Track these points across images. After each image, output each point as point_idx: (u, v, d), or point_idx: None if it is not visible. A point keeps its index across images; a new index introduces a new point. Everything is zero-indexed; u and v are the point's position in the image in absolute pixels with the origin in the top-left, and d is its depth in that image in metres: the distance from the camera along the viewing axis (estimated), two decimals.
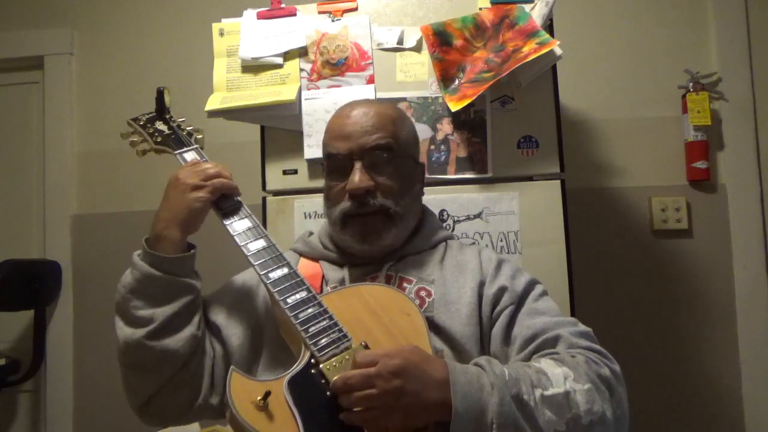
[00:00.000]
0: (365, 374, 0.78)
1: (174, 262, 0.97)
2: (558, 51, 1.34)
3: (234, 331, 1.03)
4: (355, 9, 1.47)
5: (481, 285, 1.03)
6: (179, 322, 0.96)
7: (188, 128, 1.18)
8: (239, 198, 1.05)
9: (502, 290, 1.01)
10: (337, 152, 1.06)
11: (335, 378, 0.80)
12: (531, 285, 1.05)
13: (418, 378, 0.79)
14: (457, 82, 1.40)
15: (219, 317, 1.05)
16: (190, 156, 1.10)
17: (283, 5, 1.49)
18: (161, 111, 1.19)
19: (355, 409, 0.78)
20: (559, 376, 0.84)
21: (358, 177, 1.02)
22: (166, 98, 1.19)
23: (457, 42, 1.41)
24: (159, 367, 0.95)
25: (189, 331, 0.96)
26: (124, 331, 0.95)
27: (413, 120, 1.36)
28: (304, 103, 1.42)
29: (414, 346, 0.85)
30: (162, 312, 0.94)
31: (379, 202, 1.03)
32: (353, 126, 1.06)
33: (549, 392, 0.82)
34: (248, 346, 1.02)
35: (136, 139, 1.16)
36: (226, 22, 1.50)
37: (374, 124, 1.05)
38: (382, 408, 0.78)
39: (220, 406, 0.98)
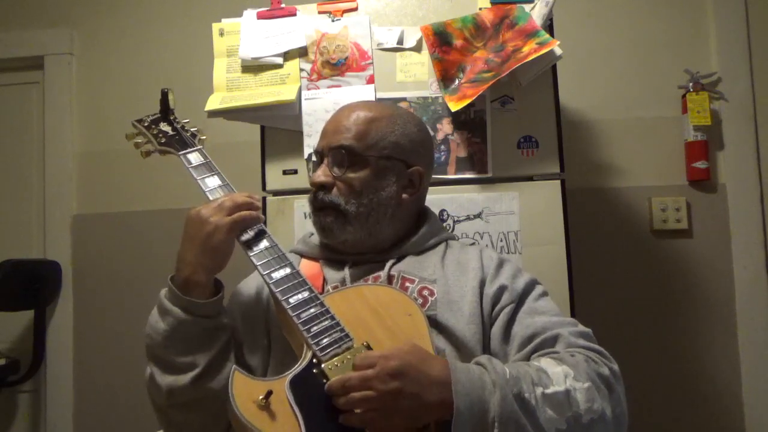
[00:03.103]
0: (363, 376, 0.78)
1: (208, 307, 0.95)
2: (558, 51, 1.34)
3: (253, 348, 1.03)
4: (355, 9, 1.47)
5: (482, 284, 1.03)
6: (219, 363, 0.96)
7: (192, 129, 1.18)
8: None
9: (503, 289, 1.02)
10: (316, 149, 1.12)
11: (332, 380, 0.80)
12: (531, 285, 1.05)
13: (416, 379, 0.79)
14: (457, 82, 1.40)
15: (236, 337, 1.04)
16: (193, 157, 1.10)
17: (283, 5, 1.49)
18: (165, 112, 1.19)
19: (355, 411, 0.78)
20: (559, 375, 0.84)
21: (317, 172, 1.08)
22: (171, 99, 1.20)
23: (457, 42, 1.41)
24: (204, 405, 0.94)
25: (228, 367, 0.95)
26: (166, 379, 0.94)
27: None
28: (304, 103, 1.42)
29: (413, 344, 0.85)
30: (203, 357, 0.94)
31: (329, 198, 1.05)
32: (330, 125, 1.11)
33: (550, 390, 0.82)
34: (265, 361, 1.01)
35: (140, 140, 1.16)
36: (226, 22, 1.49)
37: (348, 125, 1.07)
38: (381, 410, 0.78)
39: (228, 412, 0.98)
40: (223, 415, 0.95)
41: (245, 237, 1.00)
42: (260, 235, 1.01)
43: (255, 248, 0.99)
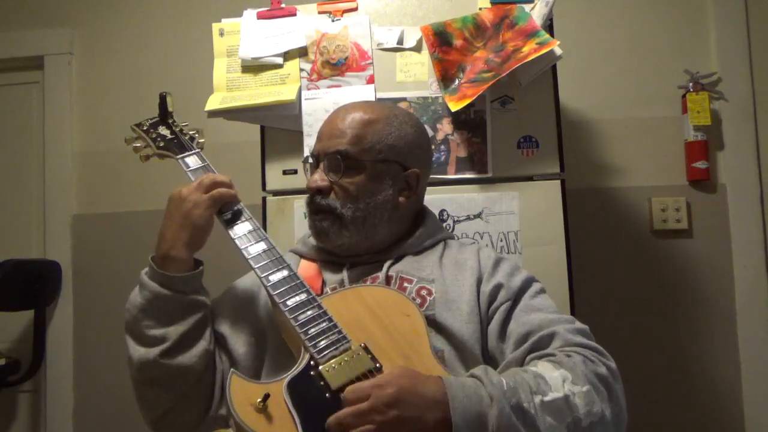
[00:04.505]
0: (359, 411, 0.76)
1: (183, 281, 0.97)
2: (558, 51, 1.34)
3: (238, 340, 1.03)
4: (355, 9, 1.47)
5: (479, 282, 1.03)
6: (192, 339, 0.97)
7: (190, 132, 1.18)
8: (240, 202, 1.06)
9: (499, 287, 1.01)
10: (312, 152, 1.12)
11: (329, 419, 0.77)
12: (528, 282, 1.04)
13: (414, 403, 0.77)
14: (457, 82, 1.40)
15: (223, 327, 1.05)
16: (191, 160, 1.11)
17: (283, 5, 1.49)
18: (164, 115, 1.20)
19: None
20: (557, 380, 0.83)
21: (313, 176, 1.08)
22: (169, 103, 1.20)
23: (457, 42, 1.41)
24: (174, 382, 0.96)
25: (202, 346, 0.98)
26: (138, 351, 0.96)
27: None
28: (304, 103, 1.42)
29: (403, 367, 0.83)
30: (174, 330, 0.96)
31: (325, 202, 1.06)
32: (326, 128, 1.10)
33: (548, 398, 0.81)
34: (253, 354, 1.02)
35: (139, 145, 1.17)
36: (226, 22, 1.49)
37: (343, 128, 1.07)
38: None
39: (228, 416, 0.99)
40: (197, 400, 0.98)
41: (239, 234, 1.01)
42: (257, 236, 1.01)
43: (252, 251, 0.99)
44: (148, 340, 0.96)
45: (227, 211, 1.03)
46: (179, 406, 0.98)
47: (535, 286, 1.05)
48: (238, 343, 1.03)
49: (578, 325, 0.97)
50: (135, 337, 0.98)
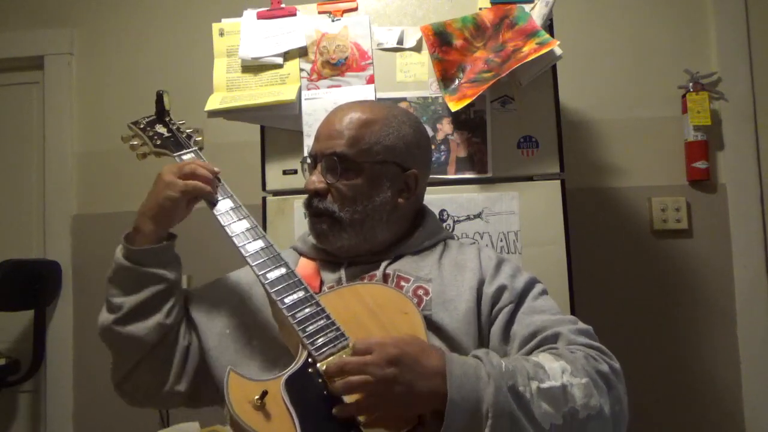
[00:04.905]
0: (361, 361, 0.79)
1: (141, 254, 1.00)
2: (558, 51, 1.34)
3: (213, 330, 1.05)
4: (355, 9, 1.47)
5: (481, 284, 1.03)
6: (146, 311, 0.99)
7: (188, 130, 1.18)
8: (236, 198, 1.06)
9: (502, 289, 1.01)
10: (310, 152, 1.11)
11: (330, 359, 0.81)
12: (531, 284, 1.05)
13: (412, 368, 0.79)
14: (457, 82, 1.40)
15: (199, 313, 1.07)
16: (188, 158, 1.11)
17: (283, 5, 1.49)
18: (161, 114, 1.20)
19: (348, 399, 0.79)
20: (556, 370, 0.84)
21: (311, 177, 1.07)
22: (166, 101, 1.20)
23: (457, 42, 1.41)
24: (124, 350, 1.01)
25: (156, 319, 0.99)
26: (101, 316, 1.01)
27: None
28: (304, 103, 1.42)
29: (413, 336, 0.85)
30: (129, 300, 0.99)
31: (323, 205, 1.05)
32: (324, 129, 1.09)
33: (545, 385, 0.82)
34: (226, 346, 1.03)
35: (136, 143, 1.17)
36: (226, 22, 1.50)
37: (341, 129, 1.06)
38: (374, 395, 0.78)
39: (188, 393, 1.02)
40: (151, 371, 1.01)
41: (236, 231, 1.01)
42: (255, 234, 1.01)
43: (250, 248, 0.99)
44: (110, 307, 1.00)
45: (223, 207, 1.04)
46: (133, 374, 1.01)
47: (538, 288, 1.05)
48: (212, 333, 1.04)
49: (581, 325, 0.98)
50: (106, 303, 1.02)
